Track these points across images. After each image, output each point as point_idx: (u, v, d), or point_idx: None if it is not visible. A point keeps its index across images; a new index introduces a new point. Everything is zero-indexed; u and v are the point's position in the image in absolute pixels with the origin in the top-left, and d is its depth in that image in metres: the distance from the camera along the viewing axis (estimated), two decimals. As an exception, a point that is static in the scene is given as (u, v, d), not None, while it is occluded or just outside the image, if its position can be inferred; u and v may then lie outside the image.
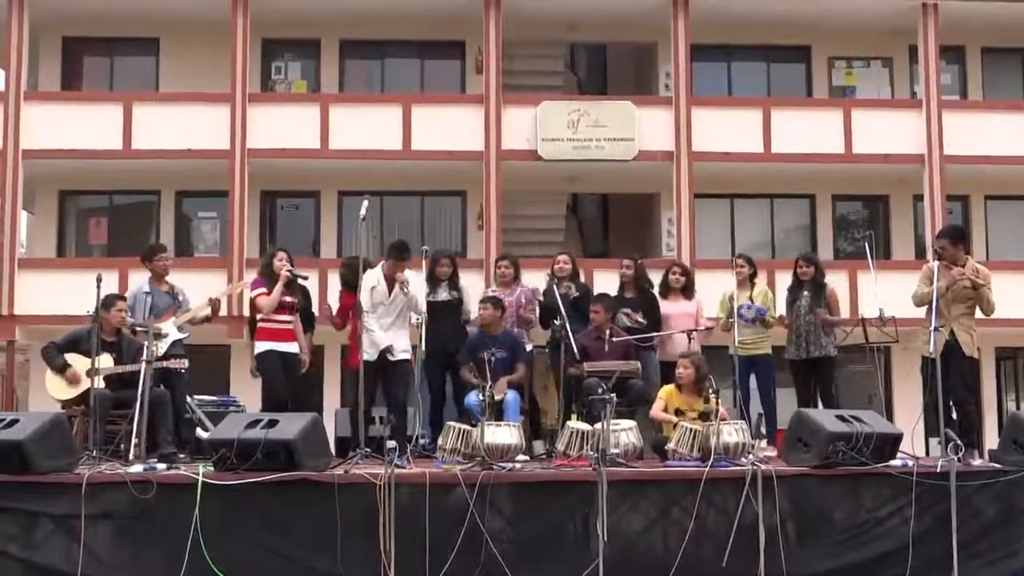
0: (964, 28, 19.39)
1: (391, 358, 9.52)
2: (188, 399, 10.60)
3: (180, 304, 10.24)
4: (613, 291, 11.01)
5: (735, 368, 10.11)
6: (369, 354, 9.31)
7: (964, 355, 9.15)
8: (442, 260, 10.72)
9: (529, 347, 10.62)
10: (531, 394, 10.62)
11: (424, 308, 9.86)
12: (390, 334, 9.57)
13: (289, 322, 10.01)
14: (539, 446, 10.30)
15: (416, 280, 9.83)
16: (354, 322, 9.71)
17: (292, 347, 9.99)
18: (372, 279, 9.58)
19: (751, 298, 10.78)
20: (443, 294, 10.58)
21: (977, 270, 9.25)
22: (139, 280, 10.43)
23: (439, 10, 18.82)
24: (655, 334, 10.58)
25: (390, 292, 9.59)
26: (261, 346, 9.91)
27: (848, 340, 10.60)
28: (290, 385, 9.94)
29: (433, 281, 10.62)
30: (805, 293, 10.67)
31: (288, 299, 9.99)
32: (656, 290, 11.12)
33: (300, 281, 10.11)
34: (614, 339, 10.13)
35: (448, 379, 10.48)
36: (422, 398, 10.29)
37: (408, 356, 9.76)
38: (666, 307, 10.89)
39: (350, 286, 10.13)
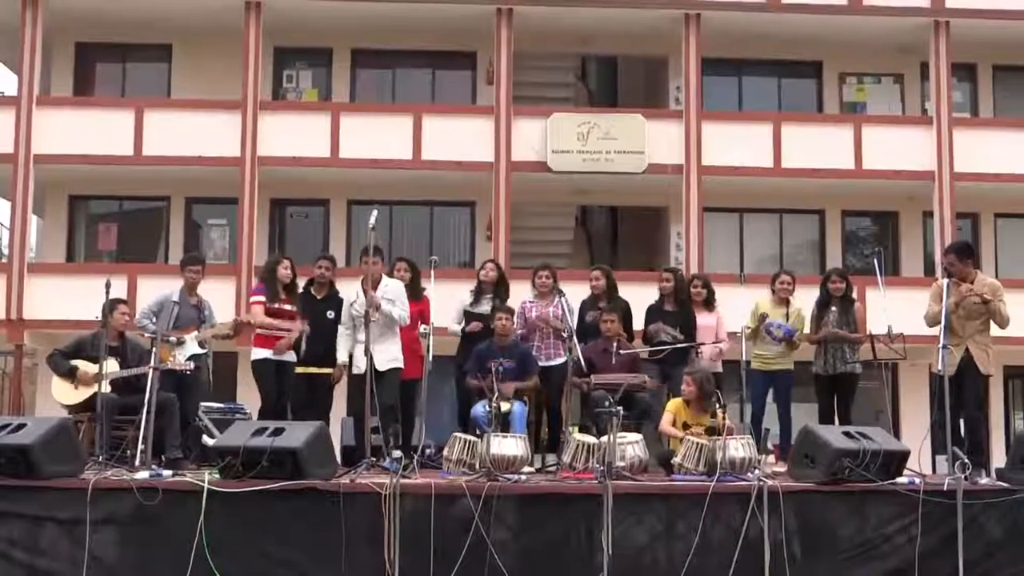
0: (975, 46, 19.37)
1: (378, 368, 9.39)
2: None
3: (205, 319, 10.24)
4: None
5: (744, 381, 10.08)
6: (358, 367, 9.26)
7: (979, 373, 9.12)
8: (487, 264, 10.90)
9: (561, 359, 10.55)
10: (555, 406, 10.58)
11: (404, 319, 9.78)
12: (377, 345, 9.48)
13: (288, 330, 10.01)
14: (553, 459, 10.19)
15: (398, 288, 9.80)
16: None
17: (290, 356, 10.04)
18: (351, 294, 9.61)
19: (786, 316, 10.72)
20: (485, 306, 10.60)
21: (986, 283, 9.21)
22: (168, 287, 10.43)
23: (451, 21, 18.86)
24: (666, 346, 10.51)
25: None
26: (257, 353, 9.95)
27: (856, 356, 10.57)
28: (287, 393, 9.98)
29: (478, 292, 10.65)
30: (833, 309, 10.58)
31: (288, 307, 10.00)
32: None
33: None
34: (621, 351, 10.12)
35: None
36: (428, 406, 10.27)
37: (398, 365, 9.71)
38: None
39: None
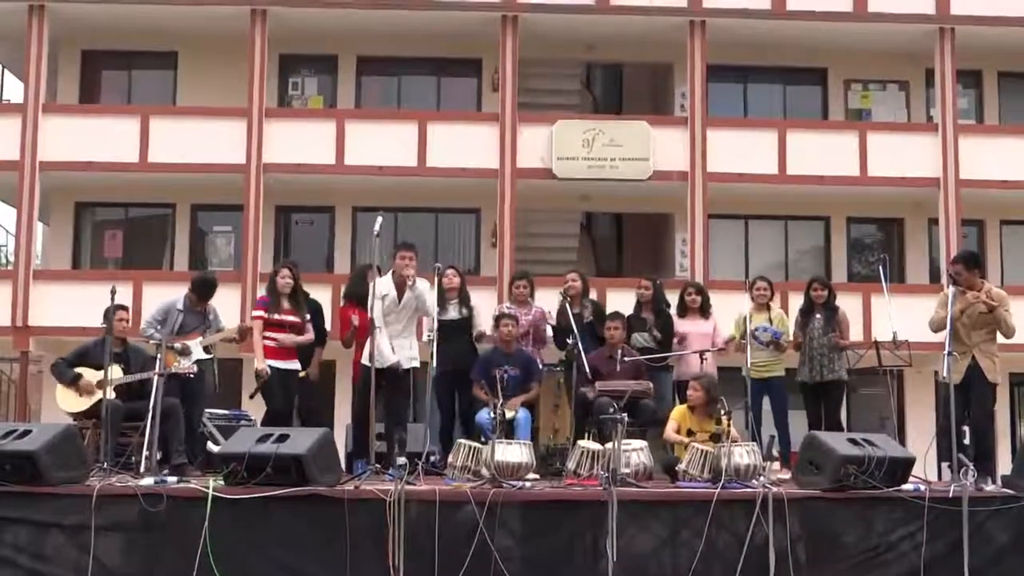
0: (981, 52, 19.37)
1: (403, 366, 9.48)
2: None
3: (209, 324, 10.24)
4: (627, 310, 10.97)
5: (747, 390, 10.08)
6: (379, 361, 9.23)
7: (986, 381, 9.12)
8: (447, 272, 10.66)
9: (539, 366, 10.64)
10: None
11: (433, 309, 9.73)
12: (399, 342, 9.52)
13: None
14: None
15: (424, 286, 9.72)
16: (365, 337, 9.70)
17: (295, 364, 10.03)
18: (384, 287, 9.56)
19: (769, 320, 10.76)
20: (452, 312, 10.56)
21: (992, 293, 9.21)
22: (174, 294, 10.44)
23: (456, 28, 18.88)
24: (667, 354, 10.55)
25: (400, 299, 9.54)
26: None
27: (861, 363, 10.57)
28: (289, 400, 9.98)
29: (442, 299, 10.59)
30: (818, 316, 10.66)
31: (290, 318, 10.00)
32: (673, 310, 11.10)
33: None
34: (626, 359, 10.11)
35: (457, 397, 10.45)
36: (432, 414, 10.28)
37: (416, 365, 9.72)
38: (683, 327, 10.87)
39: (356, 298, 10.20)
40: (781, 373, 10.79)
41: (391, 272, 9.70)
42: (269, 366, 9.83)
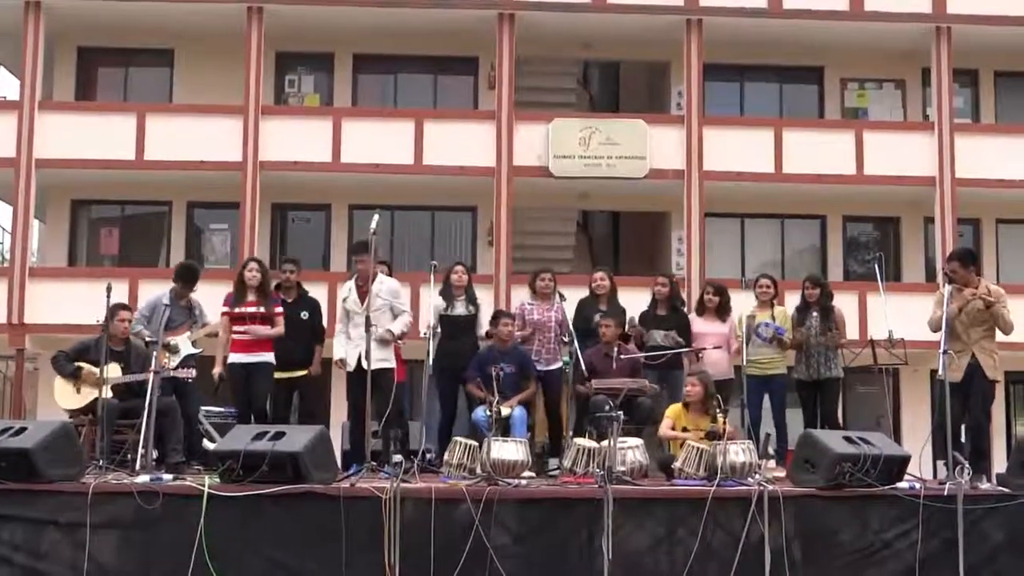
0: (977, 52, 19.38)
1: (366, 367, 9.13)
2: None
3: (196, 319, 10.25)
4: (627, 308, 10.97)
5: (743, 387, 10.09)
6: (350, 364, 9.22)
7: (987, 379, 9.12)
8: (456, 268, 10.69)
9: (559, 364, 10.62)
10: (556, 411, 10.58)
11: (404, 311, 9.71)
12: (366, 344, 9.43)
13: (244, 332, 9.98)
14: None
15: (394, 286, 9.69)
16: None
17: (259, 357, 9.96)
18: (344, 290, 9.59)
19: (772, 317, 10.74)
20: (460, 308, 10.55)
21: (989, 289, 9.23)
22: (160, 290, 10.44)
23: (453, 26, 18.87)
24: (665, 352, 10.51)
25: (362, 301, 9.46)
26: (230, 357, 9.98)
27: (857, 361, 10.56)
28: (257, 395, 9.99)
29: (449, 294, 10.59)
30: (814, 314, 10.64)
31: (251, 309, 9.97)
32: (692, 309, 11.09)
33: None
34: (622, 356, 10.12)
35: (461, 394, 10.44)
36: (430, 412, 10.27)
37: (390, 365, 9.61)
38: (700, 326, 10.82)
39: None
40: (783, 371, 10.76)
41: (354, 276, 9.68)
42: (232, 363, 9.88)
